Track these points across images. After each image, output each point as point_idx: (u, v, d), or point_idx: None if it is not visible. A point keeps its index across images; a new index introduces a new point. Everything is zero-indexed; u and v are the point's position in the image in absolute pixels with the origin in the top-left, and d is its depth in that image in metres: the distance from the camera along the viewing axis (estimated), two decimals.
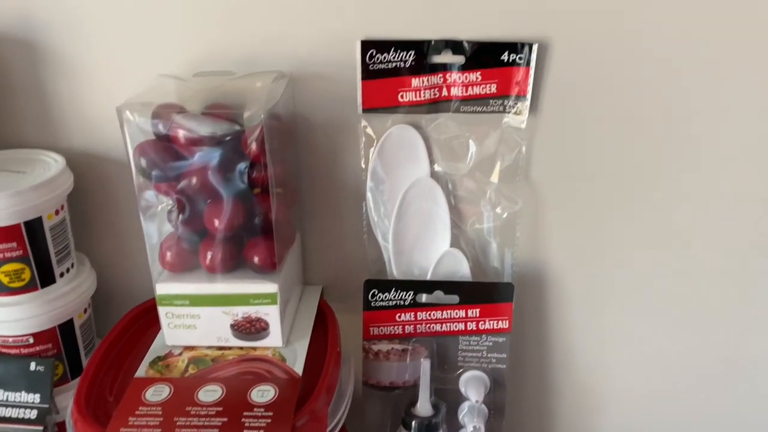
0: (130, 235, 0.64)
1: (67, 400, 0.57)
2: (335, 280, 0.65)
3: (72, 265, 0.59)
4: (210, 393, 0.50)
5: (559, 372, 0.67)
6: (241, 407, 0.49)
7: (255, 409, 0.48)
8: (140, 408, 0.49)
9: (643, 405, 0.69)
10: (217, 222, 0.51)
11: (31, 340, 0.57)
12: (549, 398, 0.69)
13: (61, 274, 0.57)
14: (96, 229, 0.65)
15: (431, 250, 0.59)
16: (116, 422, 0.48)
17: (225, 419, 0.48)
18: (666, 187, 0.59)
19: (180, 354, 0.55)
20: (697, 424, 0.70)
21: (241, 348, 0.55)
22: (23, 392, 0.57)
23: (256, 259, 0.53)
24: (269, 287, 0.53)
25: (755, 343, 0.66)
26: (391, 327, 0.60)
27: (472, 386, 0.60)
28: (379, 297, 0.59)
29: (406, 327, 0.60)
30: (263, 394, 0.50)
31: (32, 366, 0.57)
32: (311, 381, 0.52)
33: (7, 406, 0.57)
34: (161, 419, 0.48)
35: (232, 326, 0.54)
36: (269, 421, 0.47)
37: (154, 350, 0.55)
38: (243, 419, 0.48)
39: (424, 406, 0.59)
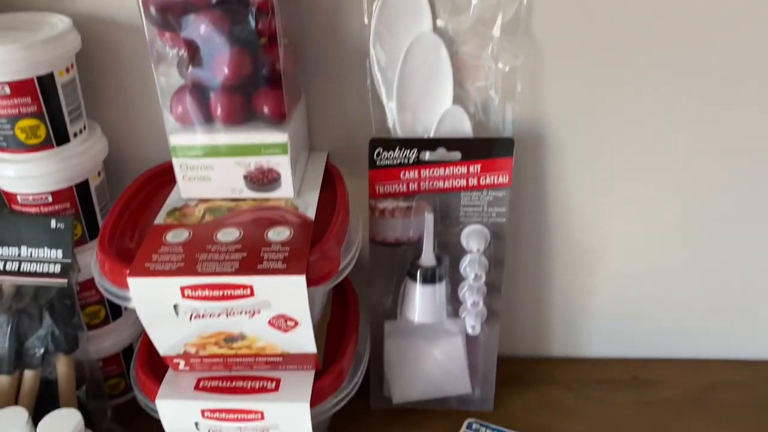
0: (140, 101, 0.66)
1: (86, 259, 0.59)
2: (340, 145, 0.67)
3: (84, 127, 0.60)
4: (228, 234, 0.53)
5: (556, 230, 0.71)
6: (259, 244, 0.52)
7: (272, 245, 0.51)
8: (162, 248, 0.52)
9: (638, 264, 0.73)
10: (225, 70, 0.52)
11: (50, 199, 0.59)
12: (546, 256, 0.73)
13: (75, 134, 0.59)
14: (105, 95, 0.66)
15: (434, 108, 0.61)
16: (140, 259, 0.51)
17: (245, 254, 0.51)
18: (671, 47, 0.61)
19: (196, 205, 0.57)
20: (691, 281, 0.74)
21: (254, 199, 0.58)
22: (45, 248, 0.59)
23: (265, 109, 0.55)
24: (279, 137, 0.55)
25: (750, 207, 0.69)
26: (396, 185, 0.63)
27: (473, 238, 0.63)
28: (384, 156, 0.61)
29: (410, 184, 0.62)
30: (279, 233, 0.53)
31: (53, 224, 0.59)
32: (323, 228, 0.55)
33: (31, 261, 0.59)
34: (183, 255, 0.51)
35: (245, 177, 0.56)
36: (286, 254, 0.50)
37: (170, 203, 0.58)
38: (262, 253, 0.51)
39: (428, 257, 0.63)
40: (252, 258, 0.50)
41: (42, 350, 0.60)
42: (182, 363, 0.57)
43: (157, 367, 0.60)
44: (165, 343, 0.55)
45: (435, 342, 0.67)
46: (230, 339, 0.54)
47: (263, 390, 0.57)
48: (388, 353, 0.68)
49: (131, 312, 0.70)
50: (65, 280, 0.59)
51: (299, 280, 0.49)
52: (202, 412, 0.56)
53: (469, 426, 0.70)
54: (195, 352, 0.56)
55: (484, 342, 0.68)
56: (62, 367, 0.62)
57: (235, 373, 0.59)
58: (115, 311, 0.68)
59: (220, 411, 0.56)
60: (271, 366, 0.58)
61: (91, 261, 0.56)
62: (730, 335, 0.78)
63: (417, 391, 0.69)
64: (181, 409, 0.57)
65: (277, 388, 0.57)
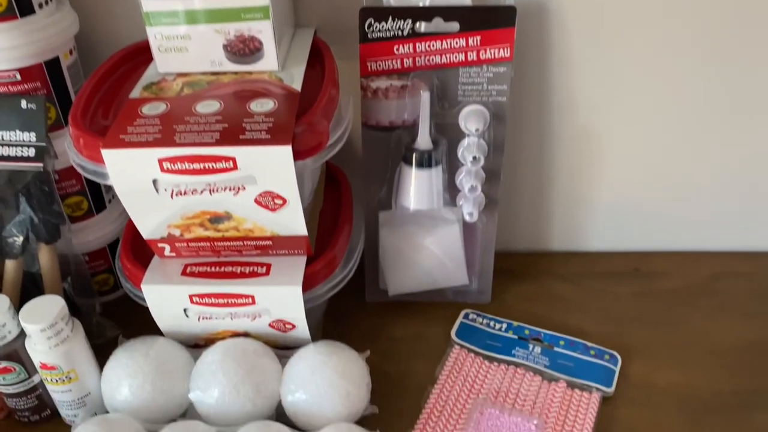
0: None
1: (63, 145, 0.56)
2: (329, 21, 0.62)
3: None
4: (208, 106, 0.49)
5: (559, 113, 0.67)
6: (241, 115, 0.48)
7: (255, 117, 0.48)
8: (138, 120, 0.48)
9: (642, 153, 0.70)
10: None
11: (18, 77, 0.55)
12: (548, 141, 0.70)
13: (40, 5, 0.54)
14: None
15: None
16: (115, 131, 0.47)
17: (226, 125, 0.47)
18: None
19: (174, 80, 0.53)
20: (695, 172, 0.71)
21: (236, 73, 0.54)
22: (18, 131, 0.56)
23: None
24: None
25: (758, 97, 0.66)
26: (390, 61, 0.58)
27: (472, 119, 0.59)
28: (376, 27, 0.57)
29: (405, 60, 0.58)
30: (262, 105, 0.49)
31: (23, 104, 0.56)
32: (310, 102, 0.51)
33: (3, 144, 0.56)
34: (160, 127, 0.48)
35: (225, 47, 0.52)
36: (270, 125, 0.47)
37: (146, 78, 0.54)
38: (244, 124, 0.47)
39: (424, 140, 0.60)
40: (234, 129, 0.47)
41: (21, 239, 0.57)
42: (167, 248, 0.55)
43: (143, 256, 0.58)
44: (148, 224, 0.52)
45: (431, 231, 0.65)
46: (216, 220, 0.52)
47: (253, 274, 0.55)
48: (383, 244, 0.66)
49: (116, 205, 0.67)
50: (40, 164, 0.56)
51: (284, 151, 0.46)
52: (191, 297, 0.55)
53: (465, 316, 0.68)
54: (180, 234, 0.53)
55: (481, 231, 0.66)
56: (45, 257, 0.60)
57: (224, 259, 0.57)
58: (99, 203, 0.65)
59: (209, 296, 0.55)
60: (260, 251, 0.56)
61: (66, 144, 0.53)
62: (733, 227, 0.75)
63: (413, 282, 0.68)
64: (168, 294, 0.55)
65: (267, 273, 0.55)
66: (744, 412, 0.58)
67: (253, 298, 0.55)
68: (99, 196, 0.65)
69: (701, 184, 0.72)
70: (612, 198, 0.74)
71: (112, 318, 0.67)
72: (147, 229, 0.53)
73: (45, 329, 0.52)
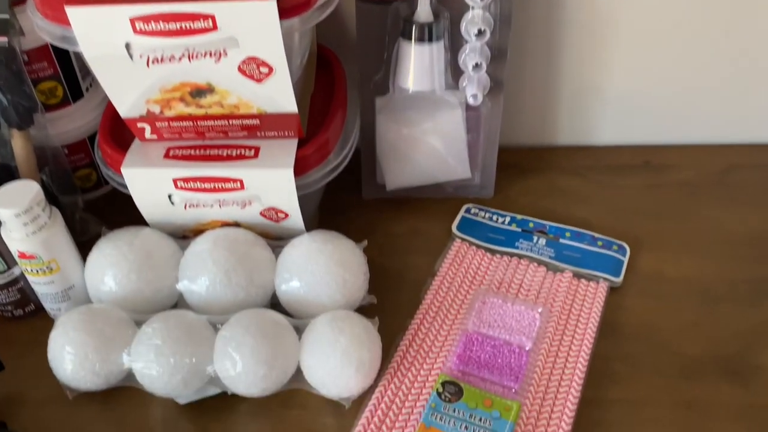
0: None
1: (30, 22, 0.51)
2: None
3: None
4: None
5: None
6: None
7: None
8: None
9: (654, 40, 0.65)
10: None
11: None
12: (558, 20, 0.64)
13: None
14: None
15: None
16: None
17: None
18: None
19: None
20: (709, 62, 0.67)
21: None
22: None
23: None
24: None
25: None
26: None
27: None
28: None
29: None
30: None
31: None
32: None
33: None
34: None
35: None
36: None
37: None
38: None
39: (424, 11, 0.54)
40: None
41: None
42: (148, 129, 0.51)
43: (123, 141, 0.54)
44: (125, 100, 0.48)
45: (432, 116, 0.61)
46: (197, 93, 0.47)
47: (241, 157, 0.51)
48: (381, 132, 0.62)
49: (95, 93, 0.63)
50: (4, 39, 0.52)
51: (269, 6, 0.41)
52: (175, 181, 0.51)
53: (467, 211, 0.65)
54: (160, 112, 0.49)
55: (486, 118, 0.62)
56: (18, 145, 0.55)
57: (209, 142, 0.53)
58: (75, 91, 0.61)
59: (195, 179, 0.51)
60: (248, 132, 0.52)
61: (28, 8, 0.48)
62: (746, 120, 0.71)
63: (412, 175, 0.64)
64: (150, 178, 0.52)
65: (256, 155, 0.52)
66: (756, 301, 0.56)
67: (241, 182, 0.51)
68: (75, 83, 0.60)
69: (716, 75, 0.68)
70: (623, 88, 0.69)
71: (96, 216, 0.64)
72: (124, 106, 0.49)
73: (20, 214, 0.49)
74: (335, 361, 0.47)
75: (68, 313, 0.50)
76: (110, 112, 0.55)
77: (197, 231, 0.57)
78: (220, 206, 0.53)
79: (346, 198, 0.67)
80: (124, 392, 0.51)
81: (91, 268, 0.53)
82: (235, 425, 0.50)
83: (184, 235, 0.58)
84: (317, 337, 0.48)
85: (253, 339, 0.47)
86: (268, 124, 0.50)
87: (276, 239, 0.56)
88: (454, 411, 0.47)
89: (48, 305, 0.55)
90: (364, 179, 0.66)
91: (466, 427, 0.46)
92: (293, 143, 0.52)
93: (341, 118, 0.57)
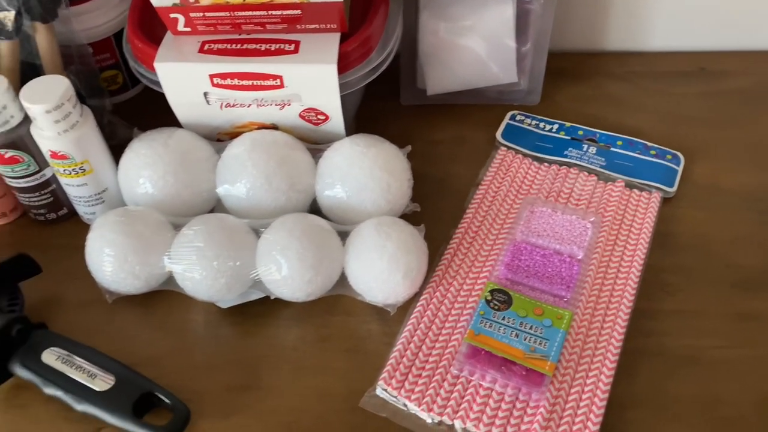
0: None
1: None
2: None
3: None
4: None
5: None
6: None
7: None
8: None
9: None
10: None
11: None
12: None
13: None
14: None
15: None
16: None
17: None
18: None
19: None
20: None
21: None
22: None
23: None
24: None
25: None
26: None
27: None
28: None
29: None
30: None
31: None
32: None
33: None
34: None
35: None
36: None
37: None
38: None
39: None
40: None
41: (13, 14, 0.50)
42: (181, 20, 0.48)
43: (153, 35, 0.51)
44: None
45: (480, 12, 0.56)
46: None
47: (281, 52, 0.48)
48: (424, 31, 0.58)
49: None
50: None
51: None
52: (211, 77, 0.48)
53: (512, 117, 0.62)
54: (195, 0, 0.46)
55: (537, 16, 0.58)
56: (43, 40, 0.52)
57: (246, 36, 0.50)
58: None
59: (232, 75, 0.48)
60: (287, 25, 0.48)
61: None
62: None
63: (456, 79, 0.61)
64: (185, 74, 0.49)
65: (296, 50, 0.48)
66: None
67: (281, 79, 0.48)
68: None
69: None
70: None
71: (127, 119, 0.62)
72: None
73: (50, 111, 0.46)
74: (382, 266, 0.46)
75: (104, 215, 0.48)
76: (139, 2, 0.52)
77: (232, 134, 0.54)
78: (257, 107, 0.51)
79: (383, 105, 0.64)
80: (164, 296, 0.50)
81: (125, 169, 0.51)
82: (279, 329, 0.49)
83: (218, 138, 0.55)
84: (363, 243, 0.47)
85: (299, 243, 0.45)
86: (310, 15, 0.47)
87: (314, 144, 0.54)
88: (504, 319, 0.46)
89: (81, 209, 0.54)
90: (403, 84, 0.63)
91: (516, 335, 0.45)
92: (335, 37, 0.49)
93: (384, 13, 0.52)
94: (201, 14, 0.46)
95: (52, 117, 0.47)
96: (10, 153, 0.49)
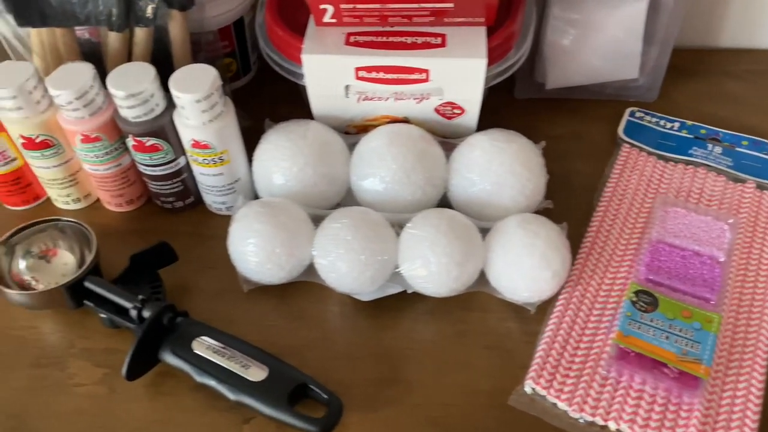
0: None
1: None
2: None
3: None
4: None
5: None
6: None
7: None
8: None
9: None
10: None
11: None
12: None
13: None
14: None
15: None
16: None
17: None
18: None
19: None
20: None
21: None
22: None
23: None
24: None
25: None
26: None
27: None
28: None
29: None
30: None
31: None
32: None
33: None
34: None
35: None
36: None
37: None
38: None
39: None
40: None
41: (155, 3, 0.50)
42: (330, 10, 0.47)
43: (290, 22, 0.51)
44: None
45: (612, 6, 0.55)
46: None
47: (427, 45, 0.48)
48: (551, 23, 0.56)
49: None
50: None
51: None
52: (356, 70, 0.48)
53: (631, 114, 0.61)
54: None
55: (667, 12, 0.57)
56: (176, 27, 0.52)
57: (390, 29, 0.49)
58: None
59: (378, 69, 0.48)
60: (435, 18, 0.48)
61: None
62: None
63: (579, 73, 0.60)
64: (331, 66, 0.48)
65: (443, 44, 0.48)
66: None
67: (428, 73, 0.48)
68: None
69: None
70: None
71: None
72: None
73: (200, 100, 0.46)
74: (532, 263, 0.45)
75: (248, 205, 0.49)
76: None
77: (361, 126, 0.54)
78: (394, 100, 0.50)
79: (495, 98, 0.63)
80: (299, 287, 0.50)
81: (262, 160, 0.51)
82: (416, 324, 0.49)
83: (346, 131, 0.55)
84: (510, 240, 0.46)
85: (446, 239, 0.45)
86: (462, 8, 0.46)
87: (442, 138, 0.54)
88: (652, 321, 0.46)
89: (211, 198, 0.54)
90: (519, 77, 0.62)
91: (666, 337, 0.45)
92: (481, 32, 0.48)
93: (523, 8, 0.52)
94: (351, 6, 0.46)
95: (200, 107, 0.47)
96: (151, 141, 0.49)
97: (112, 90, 0.47)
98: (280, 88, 0.58)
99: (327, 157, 0.50)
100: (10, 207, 0.56)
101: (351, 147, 0.52)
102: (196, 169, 0.52)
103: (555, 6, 0.56)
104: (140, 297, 0.45)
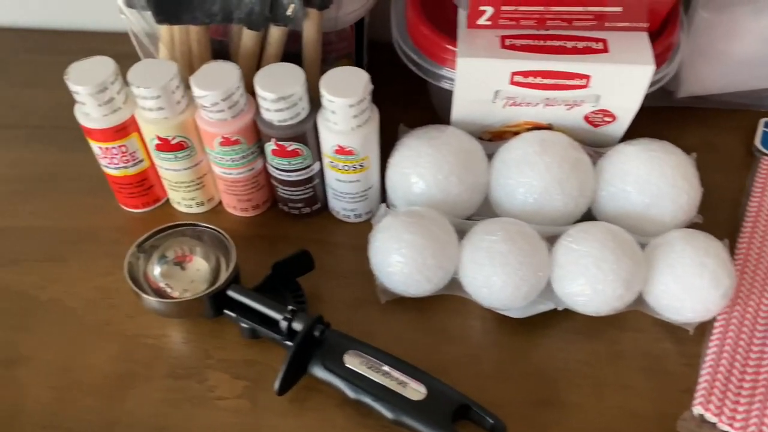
0: None
1: None
2: None
3: None
4: None
5: None
6: None
7: None
8: None
9: None
10: None
11: None
12: None
13: None
14: None
15: None
16: None
17: None
18: None
19: None
20: None
21: None
22: None
23: None
24: None
25: None
26: None
27: None
28: None
29: None
30: None
31: None
32: None
33: None
34: None
35: None
36: None
37: None
38: None
39: None
40: None
41: (295, 3, 0.48)
42: (488, 12, 0.45)
43: (434, 21, 0.49)
44: None
45: (758, 11, 0.53)
46: None
47: (589, 50, 0.45)
48: (697, 31, 0.53)
49: None
50: None
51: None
52: (512, 75, 0.46)
53: (766, 125, 0.59)
54: None
55: None
56: (311, 27, 0.50)
57: (546, 32, 0.46)
58: None
59: (536, 74, 0.46)
60: (597, 22, 0.45)
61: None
62: None
63: (716, 80, 0.57)
64: (485, 70, 0.46)
65: (606, 49, 0.46)
66: None
67: (589, 79, 0.45)
68: None
69: None
70: None
71: None
72: None
73: (353, 105, 0.44)
74: (702, 284, 0.43)
75: (394, 215, 0.46)
76: None
77: (498, 133, 0.52)
78: (544, 106, 0.48)
79: None
80: (438, 300, 0.48)
81: (400, 167, 0.49)
82: (566, 343, 0.47)
83: (479, 137, 0.53)
84: (677, 258, 0.44)
85: (614, 255, 0.43)
86: (629, 12, 0.44)
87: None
88: None
89: (341, 205, 0.52)
90: None
91: None
92: (644, 38, 0.46)
93: (678, 14, 0.49)
94: (513, 7, 0.44)
95: (352, 111, 0.45)
96: (293, 146, 0.47)
97: (260, 92, 0.45)
98: (394, 90, 0.55)
99: (471, 164, 0.48)
100: (128, 209, 0.55)
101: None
102: (332, 175, 0.50)
103: (700, 9, 0.53)
104: (290, 308, 0.43)
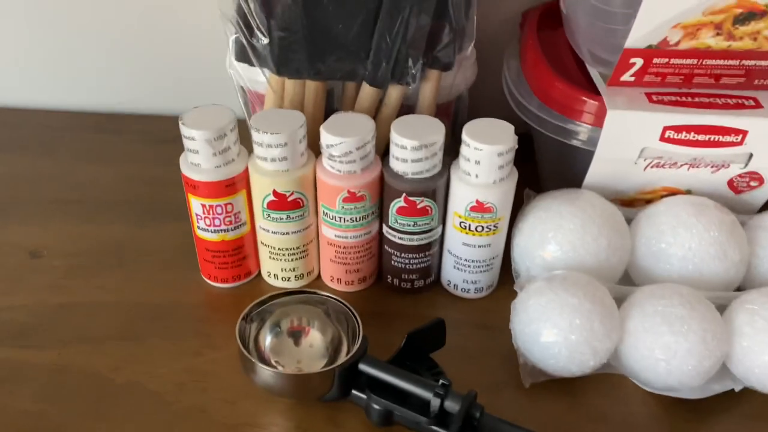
0: None
1: None
2: None
3: None
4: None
5: None
6: None
7: None
8: None
9: None
10: None
11: None
12: None
13: None
14: None
15: None
16: None
17: None
18: None
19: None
20: None
21: None
22: None
23: None
24: None
25: None
26: None
27: None
28: None
29: None
30: None
31: None
32: None
33: None
34: None
35: None
36: None
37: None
38: None
39: None
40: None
41: (420, 62, 0.45)
42: (637, 65, 0.43)
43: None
44: (648, 21, 0.40)
45: None
46: (745, 17, 0.40)
47: (742, 106, 0.43)
48: None
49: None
50: None
51: None
52: (664, 130, 0.43)
53: None
54: (676, 42, 0.41)
55: None
56: (428, 88, 0.48)
57: (691, 90, 0.44)
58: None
59: (689, 129, 0.43)
60: (746, 79, 0.43)
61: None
62: None
63: None
64: (636, 124, 0.43)
65: (758, 105, 0.43)
66: None
67: (744, 135, 0.42)
68: None
69: None
70: None
71: None
72: (643, 29, 0.40)
73: (502, 153, 0.41)
74: None
75: (549, 278, 0.41)
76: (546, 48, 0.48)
77: (629, 201, 0.48)
78: (689, 168, 0.45)
79: None
80: (588, 383, 0.41)
81: (537, 231, 0.44)
82: (748, 430, 0.40)
83: None
84: None
85: None
86: None
87: None
88: None
89: (461, 276, 0.46)
90: None
91: None
92: None
93: None
94: (665, 60, 0.42)
95: (499, 161, 0.41)
96: (424, 203, 0.43)
97: (397, 139, 0.41)
98: None
99: (618, 227, 0.44)
100: (214, 283, 0.48)
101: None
102: (458, 239, 0.44)
103: None
104: (441, 382, 0.36)
